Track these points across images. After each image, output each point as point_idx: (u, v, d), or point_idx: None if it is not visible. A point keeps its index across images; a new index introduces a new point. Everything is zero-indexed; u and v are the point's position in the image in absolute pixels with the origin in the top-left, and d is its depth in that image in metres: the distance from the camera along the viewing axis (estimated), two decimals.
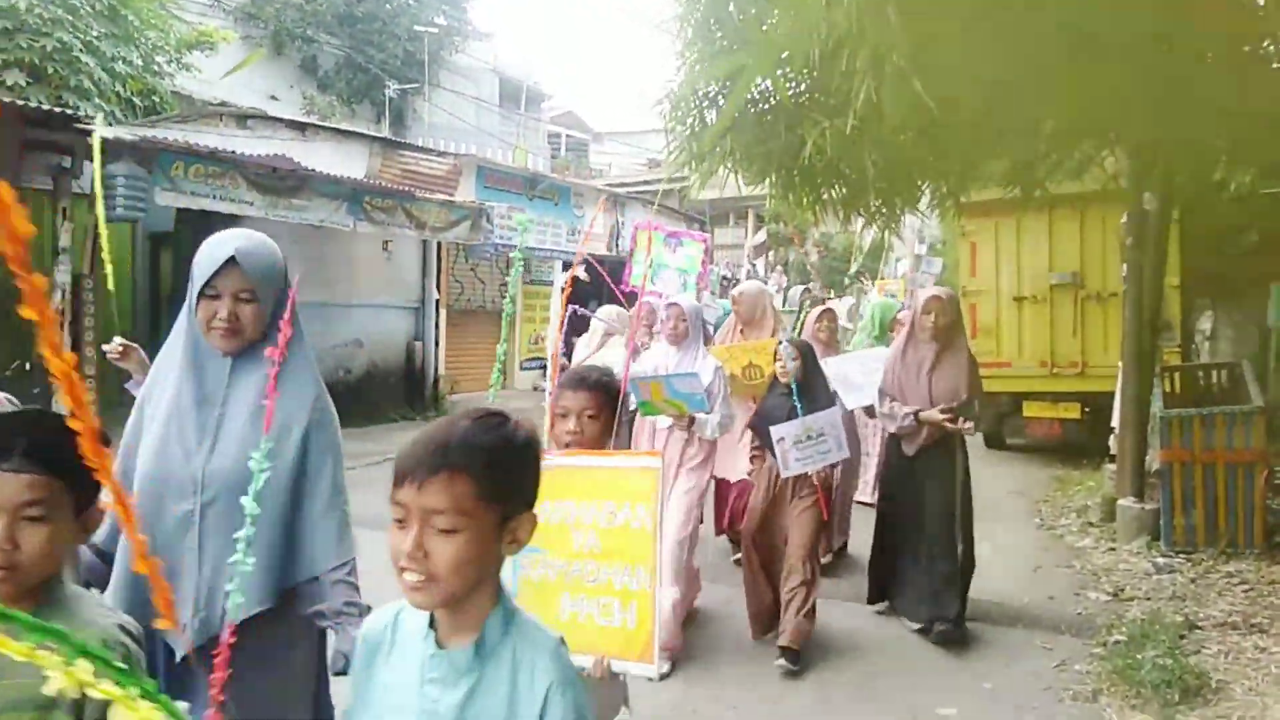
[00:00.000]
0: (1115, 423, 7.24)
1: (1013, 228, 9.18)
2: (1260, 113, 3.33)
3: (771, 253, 35.75)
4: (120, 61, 9.92)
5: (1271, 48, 3.52)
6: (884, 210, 3.00)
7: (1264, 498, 5.91)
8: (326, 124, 12.75)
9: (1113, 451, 7.23)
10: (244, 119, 10.71)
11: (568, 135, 30.19)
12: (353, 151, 11.64)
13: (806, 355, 4.44)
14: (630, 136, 28.62)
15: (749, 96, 2.86)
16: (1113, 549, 6.32)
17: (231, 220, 9.58)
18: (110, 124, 8.99)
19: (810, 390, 4.39)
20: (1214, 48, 3.17)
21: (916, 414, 4.66)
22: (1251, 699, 3.94)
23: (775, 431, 4.21)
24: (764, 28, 2.22)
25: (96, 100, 9.50)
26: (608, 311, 5.74)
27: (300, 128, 11.23)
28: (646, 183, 25.03)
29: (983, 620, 5.07)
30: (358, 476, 9.47)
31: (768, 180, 2.95)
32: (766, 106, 2.74)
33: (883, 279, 19.59)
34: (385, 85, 19.80)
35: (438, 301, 13.47)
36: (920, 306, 4.61)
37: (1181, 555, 5.90)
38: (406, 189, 11.11)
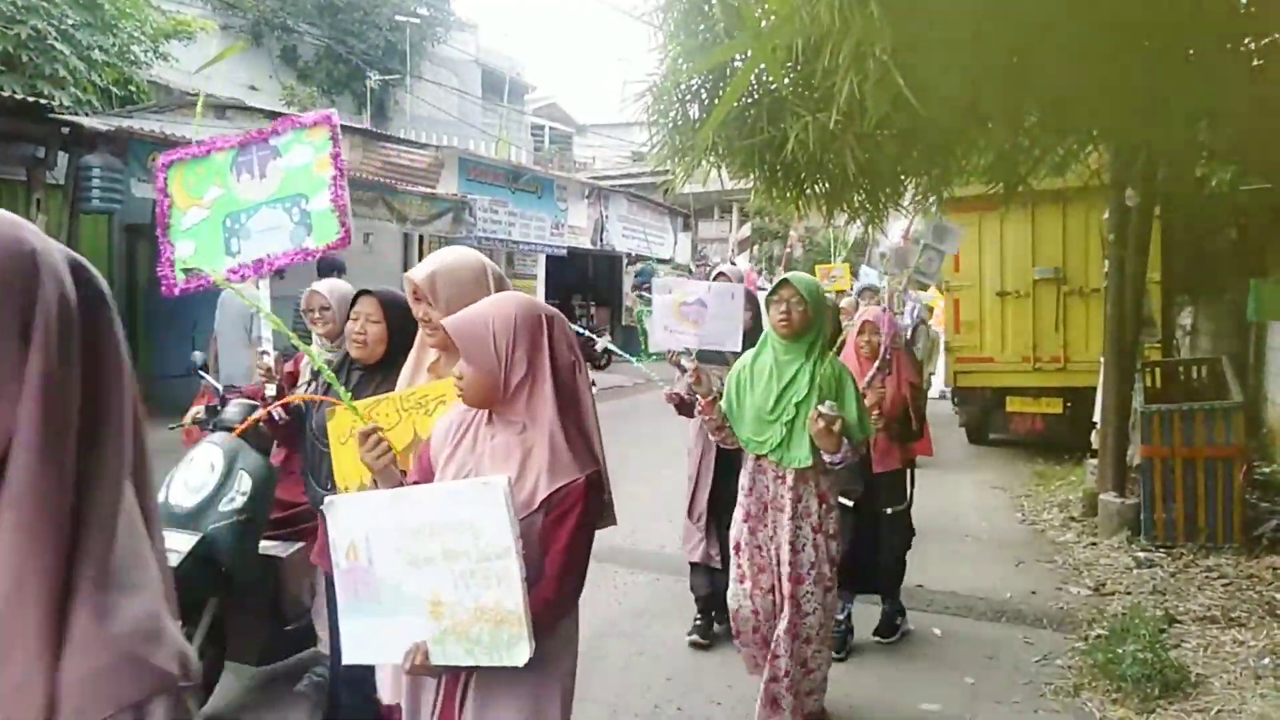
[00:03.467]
0: (1097, 418, 7.27)
1: (996, 223, 9.19)
2: (1240, 111, 3.32)
3: (756, 247, 35.78)
4: (96, 50, 9.78)
5: (1252, 45, 3.51)
6: (867, 206, 2.99)
7: (1243, 493, 5.95)
8: None
9: (1094, 446, 7.27)
10: (223, 109, 10.60)
11: (551, 127, 30.08)
12: None
13: None
14: (614, 129, 28.54)
15: (748, 85, 2.83)
16: (1094, 544, 6.35)
17: None
18: (86, 114, 8.86)
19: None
20: (1195, 45, 3.16)
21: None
22: (1230, 693, 3.97)
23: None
24: (758, 14, 2.19)
25: (72, 89, 9.36)
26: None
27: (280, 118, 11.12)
28: (630, 175, 24.97)
29: (966, 615, 5.09)
30: None
31: (751, 175, 2.93)
32: (749, 100, 2.71)
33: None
34: (366, 76, 19.63)
35: None
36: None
37: (1162, 550, 5.93)
38: (388, 181, 11.02)
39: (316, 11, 19.27)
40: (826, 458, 3.16)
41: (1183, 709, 3.84)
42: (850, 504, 4.11)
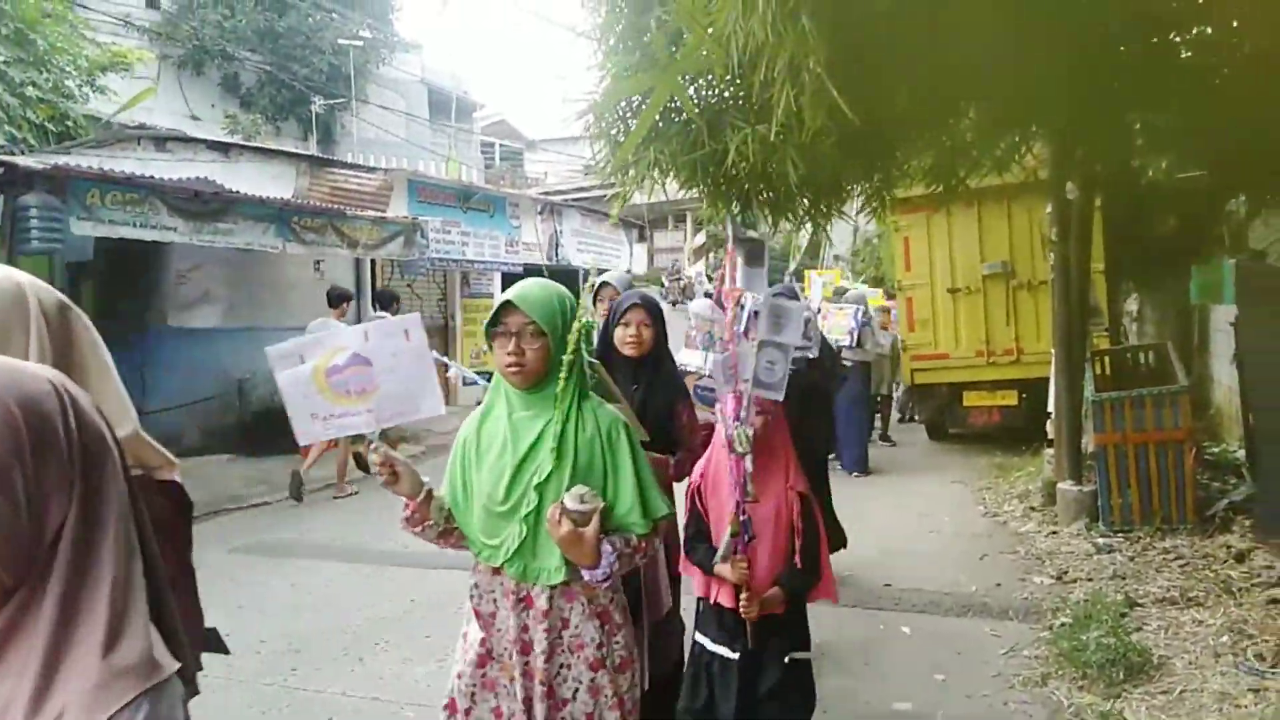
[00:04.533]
0: (1051, 408, 7.40)
1: (943, 221, 9.35)
2: (1171, 102, 3.41)
3: (711, 254, 35.97)
4: (30, 86, 9.55)
5: (1179, 39, 3.61)
6: (812, 214, 3.02)
7: (1194, 474, 6.09)
8: (251, 144, 12.46)
9: (1050, 436, 7.39)
10: (163, 141, 10.41)
11: (501, 145, 30.02)
12: (279, 171, 11.39)
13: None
14: (565, 143, 28.56)
15: (672, 105, 2.84)
16: (1055, 532, 6.46)
17: (153, 247, 9.32)
18: (21, 152, 8.66)
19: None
20: (1126, 40, 3.24)
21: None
22: (1192, 672, 4.05)
23: None
24: (672, 49, 2.21)
25: (6, 128, 9.14)
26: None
27: (223, 149, 10.95)
28: (582, 189, 24.99)
29: (933, 611, 5.14)
30: (313, 502, 9.05)
31: (696, 187, 2.95)
32: (691, 114, 2.72)
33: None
34: (311, 101, 19.42)
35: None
36: None
37: (1120, 535, 6.05)
38: (337, 207, 10.90)
39: (257, 38, 19.03)
40: (585, 574, 2.13)
41: (1147, 691, 3.91)
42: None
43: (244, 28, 18.65)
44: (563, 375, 2.12)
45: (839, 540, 5.28)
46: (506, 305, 2.13)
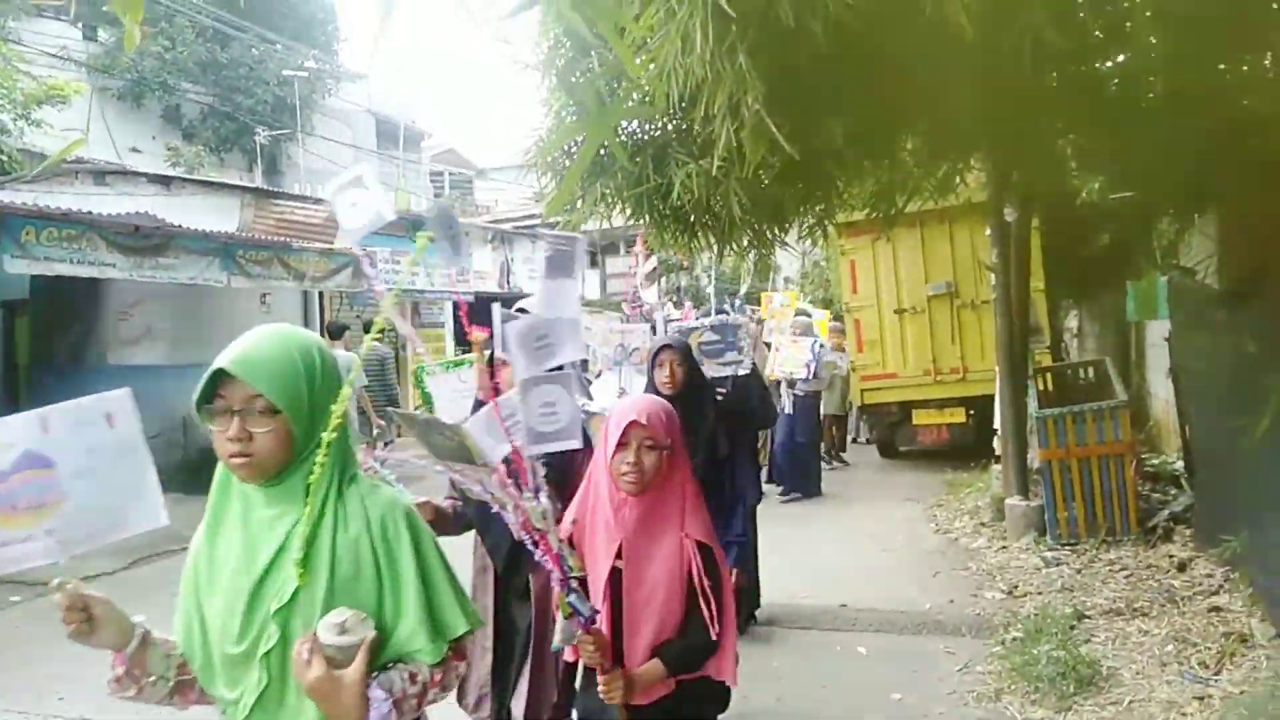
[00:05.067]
0: (998, 424, 7.55)
1: (888, 244, 9.53)
2: (1099, 127, 3.53)
3: (663, 279, 36.12)
4: None
5: (1105, 67, 3.73)
6: (755, 243, 3.07)
7: (1135, 486, 6.25)
8: (193, 177, 12.28)
9: (998, 452, 7.53)
10: (102, 175, 10.22)
11: (451, 173, 29.93)
12: (224, 204, 11.23)
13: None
14: (515, 171, 28.58)
15: (618, 140, 2.87)
16: (1005, 547, 6.57)
17: (93, 284, 9.10)
18: None
19: None
20: (1055, 68, 3.34)
21: None
22: (1139, 682, 4.13)
23: None
24: (614, 86, 2.25)
25: None
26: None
27: (165, 181, 10.79)
28: (534, 216, 24.99)
29: (889, 630, 5.18)
30: None
31: (642, 220, 2.98)
32: (635, 150, 2.76)
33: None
34: (255, 132, 19.21)
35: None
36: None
37: (1067, 548, 6.17)
38: (282, 239, 10.77)
39: (199, 69, 18.80)
40: None
41: (1097, 703, 3.99)
42: None
43: (185, 59, 18.42)
44: (319, 459, 1.51)
45: (752, 602, 5.16)
46: (221, 374, 1.50)
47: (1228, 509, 5.09)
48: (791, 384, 8.13)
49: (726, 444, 3.66)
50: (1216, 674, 4.11)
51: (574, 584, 2.01)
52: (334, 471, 1.56)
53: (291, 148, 20.64)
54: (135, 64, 17.71)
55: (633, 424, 2.14)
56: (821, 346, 9.44)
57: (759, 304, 10.35)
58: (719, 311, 8.08)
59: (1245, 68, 3.06)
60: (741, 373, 4.12)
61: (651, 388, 3.53)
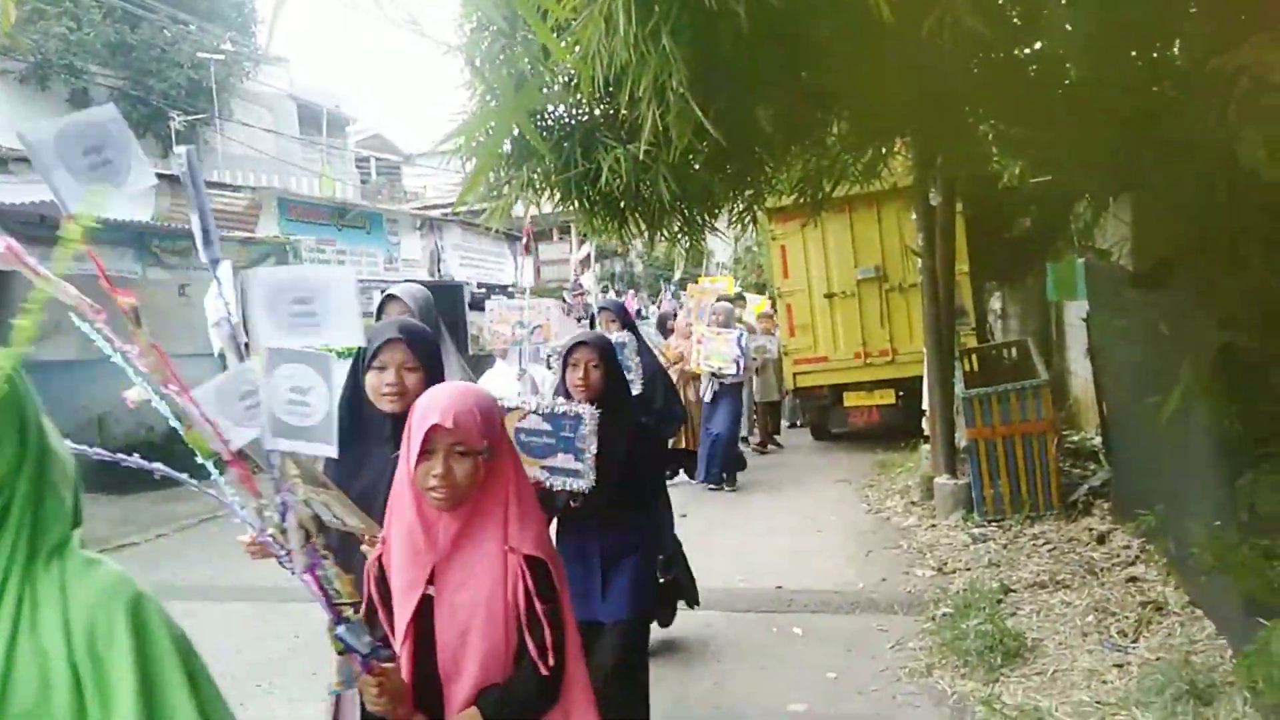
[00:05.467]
0: (926, 405, 7.71)
1: (817, 228, 9.62)
2: (1018, 112, 3.59)
3: (598, 265, 36.00)
4: None
5: (1024, 53, 3.80)
6: (686, 229, 3.05)
7: (1057, 463, 6.45)
8: None
9: (927, 432, 7.70)
10: (4, 162, 9.72)
11: (377, 159, 29.32)
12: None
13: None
14: (443, 157, 28.09)
15: (544, 123, 2.82)
16: (934, 525, 6.72)
17: None
18: None
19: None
20: (976, 54, 3.38)
21: None
22: (1063, 652, 4.27)
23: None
24: (539, 71, 2.21)
25: None
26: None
27: None
28: (464, 203, 24.64)
29: (823, 610, 5.26)
30: (176, 541, 8.60)
31: (570, 205, 2.94)
32: (562, 134, 2.71)
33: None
34: (169, 117, 18.50)
35: (246, 344, 12.71)
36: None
37: (993, 524, 6.34)
38: None
39: (108, 51, 18.00)
40: None
41: (1023, 674, 4.11)
42: None
43: (92, 40, 17.61)
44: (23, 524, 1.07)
45: (688, 599, 4.73)
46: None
47: (1143, 483, 5.28)
48: (718, 375, 8.05)
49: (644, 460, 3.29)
50: (1134, 642, 4.27)
51: (347, 613, 1.68)
52: (20, 540, 1.06)
53: (210, 133, 19.93)
54: (39, 45, 16.87)
55: (435, 429, 1.74)
56: (750, 334, 9.41)
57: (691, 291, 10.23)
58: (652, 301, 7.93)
59: (1155, 55, 3.15)
60: (635, 390, 3.74)
61: (562, 389, 3.15)
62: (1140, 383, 4.80)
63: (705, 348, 8.15)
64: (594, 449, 2.69)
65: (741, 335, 8.46)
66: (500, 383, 4.53)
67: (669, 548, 4.24)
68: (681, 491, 8.22)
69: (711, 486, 8.60)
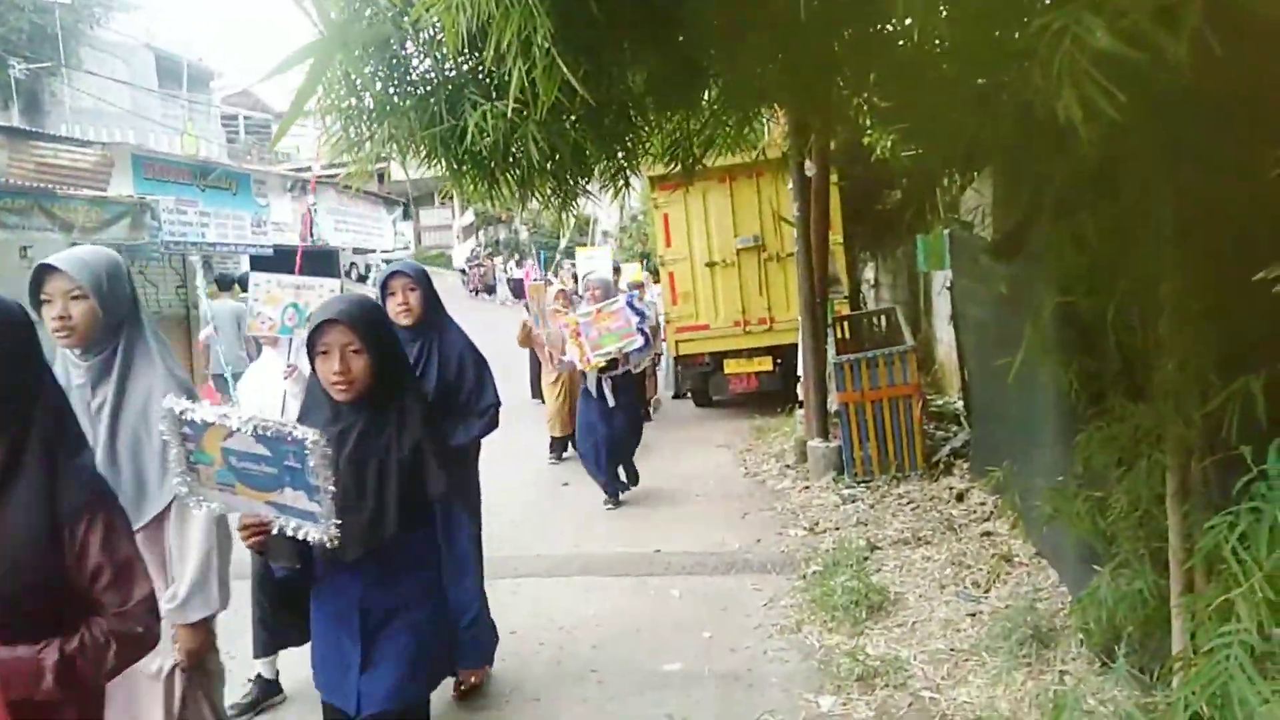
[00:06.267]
0: (801, 371, 7.93)
1: (699, 198, 9.71)
2: (888, 87, 3.67)
3: (481, 232, 35.35)
4: None
5: (892, 27, 3.89)
6: (558, 192, 3.01)
7: (922, 425, 6.75)
8: None
9: (801, 398, 7.92)
10: None
11: (246, 117, 27.86)
12: None
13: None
14: (318, 115, 26.90)
15: (410, 79, 2.72)
16: (807, 487, 6.94)
17: None
18: None
19: None
20: (850, 27, 3.42)
21: None
22: (922, 604, 4.50)
23: None
24: (400, 15, 2.13)
25: None
26: None
27: None
28: (340, 165, 23.72)
29: (700, 572, 5.37)
30: None
31: (438, 165, 2.85)
32: (427, 89, 2.61)
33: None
34: (9, 65, 17.04)
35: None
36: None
37: (862, 485, 6.61)
38: (45, 185, 9.66)
39: None
40: None
41: (886, 626, 4.31)
42: None
43: None
44: None
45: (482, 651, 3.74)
46: None
47: (997, 442, 5.59)
48: (613, 365, 6.54)
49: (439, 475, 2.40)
50: (986, 592, 4.53)
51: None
52: None
53: (56, 84, 18.47)
54: None
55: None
56: (637, 295, 8.51)
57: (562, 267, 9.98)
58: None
59: (1017, 34, 3.28)
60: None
61: (315, 385, 2.47)
62: (994, 347, 5.06)
63: (592, 334, 6.32)
64: (330, 485, 1.98)
65: (631, 297, 6.84)
66: (262, 381, 4.13)
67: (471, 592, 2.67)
68: (569, 466, 8.24)
69: (610, 506, 6.94)
